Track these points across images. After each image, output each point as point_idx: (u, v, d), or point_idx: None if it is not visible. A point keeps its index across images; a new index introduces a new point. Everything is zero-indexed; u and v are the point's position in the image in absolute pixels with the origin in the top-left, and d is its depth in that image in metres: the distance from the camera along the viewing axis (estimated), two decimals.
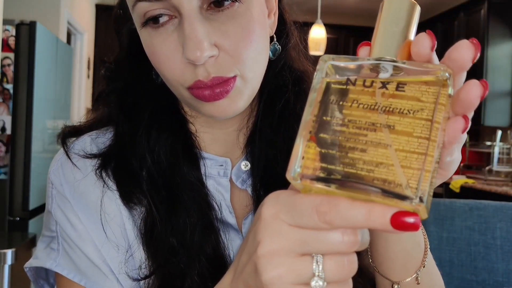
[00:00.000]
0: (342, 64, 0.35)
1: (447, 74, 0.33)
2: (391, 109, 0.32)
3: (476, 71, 4.35)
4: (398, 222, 0.31)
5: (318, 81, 0.35)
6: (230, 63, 0.53)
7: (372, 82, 0.34)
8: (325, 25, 4.22)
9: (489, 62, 4.45)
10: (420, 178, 0.31)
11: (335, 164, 0.32)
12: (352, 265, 0.34)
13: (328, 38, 4.32)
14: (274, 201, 0.35)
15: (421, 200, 0.30)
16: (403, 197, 0.30)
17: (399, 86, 0.33)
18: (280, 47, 0.63)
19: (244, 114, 0.63)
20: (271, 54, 0.61)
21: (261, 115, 0.63)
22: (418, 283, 0.55)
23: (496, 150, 4.12)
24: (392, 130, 0.32)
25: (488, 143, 4.26)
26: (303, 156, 0.33)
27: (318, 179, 0.32)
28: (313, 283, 0.34)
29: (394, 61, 0.34)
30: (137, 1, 0.52)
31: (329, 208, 0.32)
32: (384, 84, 0.33)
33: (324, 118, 0.33)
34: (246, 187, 0.64)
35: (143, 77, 0.62)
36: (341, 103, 0.34)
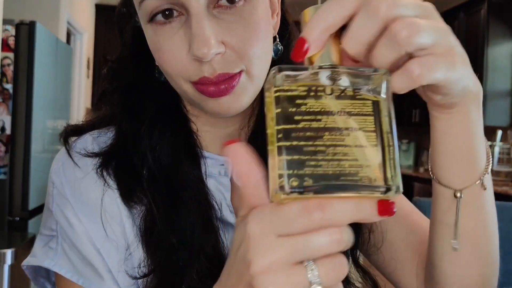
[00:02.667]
0: (290, 73, 0.36)
1: (382, 73, 0.36)
2: (342, 111, 0.35)
3: (476, 71, 4.34)
4: (384, 210, 0.34)
5: (271, 92, 0.36)
6: (236, 60, 0.53)
7: (317, 88, 0.36)
8: None
9: (489, 62, 4.46)
10: (388, 169, 0.34)
11: (305, 170, 0.34)
12: (343, 266, 0.35)
13: None
14: (258, 217, 0.35)
15: (397, 189, 0.34)
16: (379, 191, 0.34)
17: (342, 91, 0.36)
18: (282, 47, 0.64)
19: (245, 113, 0.63)
20: (273, 54, 0.61)
21: (262, 114, 0.64)
22: (485, 189, 0.51)
23: (496, 150, 4.12)
24: (347, 129, 0.35)
25: (488, 143, 4.26)
26: (278, 173, 0.34)
27: (293, 190, 0.34)
28: None
29: (333, 67, 0.36)
30: None
31: (318, 207, 0.33)
32: (332, 91, 0.36)
33: (284, 127, 0.35)
34: None
35: (145, 76, 0.63)
36: (295, 110, 0.35)
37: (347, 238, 0.34)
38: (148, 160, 0.59)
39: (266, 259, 0.34)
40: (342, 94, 0.35)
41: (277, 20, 0.62)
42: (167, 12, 0.52)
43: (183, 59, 0.53)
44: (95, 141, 0.63)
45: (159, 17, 0.53)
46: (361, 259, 0.69)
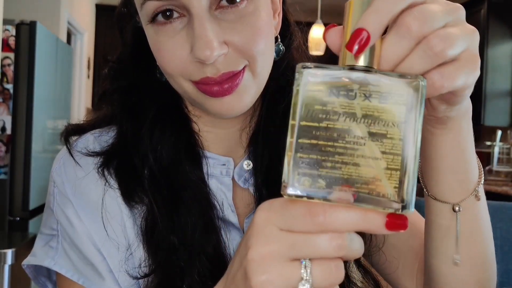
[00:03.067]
0: (319, 72, 0.35)
1: (420, 82, 0.34)
2: (367, 116, 0.34)
3: None
4: (392, 225, 0.33)
5: (298, 89, 0.35)
6: (239, 57, 0.53)
7: (349, 91, 0.34)
8: (325, 25, 4.22)
9: (489, 62, 4.45)
10: (403, 186, 0.33)
11: (320, 171, 0.34)
12: (339, 272, 0.35)
13: None
14: (267, 207, 0.36)
15: (406, 207, 0.33)
16: (392, 207, 0.33)
17: (373, 95, 0.34)
18: (284, 47, 0.63)
19: (247, 114, 0.63)
20: (275, 54, 0.61)
21: (264, 115, 0.64)
22: (478, 199, 0.52)
23: (496, 150, 4.12)
24: (370, 139, 0.34)
25: (488, 143, 4.26)
26: (292, 169, 0.34)
27: (304, 191, 0.34)
28: (300, 287, 0.34)
29: (367, 70, 0.35)
30: (146, 0, 0.52)
31: (323, 211, 0.33)
32: (363, 94, 0.34)
33: (307, 124, 0.34)
34: (248, 186, 0.64)
35: (146, 76, 0.63)
36: (321, 108, 0.34)
37: (351, 246, 0.34)
38: (149, 160, 0.59)
39: (263, 248, 0.35)
40: (371, 98, 0.34)
41: (278, 20, 0.62)
42: (168, 13, 0.52)
43: (185, 59, 0.53)
44: (96, 140, 0.63)
45: (160, 17, 0.53)
46: (362, 259, 0.69)
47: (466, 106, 0.47)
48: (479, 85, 4.39)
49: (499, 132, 4.12)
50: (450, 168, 0.50)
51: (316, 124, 0.34)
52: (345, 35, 0.36)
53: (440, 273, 0.56)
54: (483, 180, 0.53)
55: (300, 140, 0.34)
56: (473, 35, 0.37)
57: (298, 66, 0.35)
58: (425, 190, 0.54)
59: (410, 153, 0.33)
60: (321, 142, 0.34)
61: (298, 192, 0.34)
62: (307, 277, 0.34)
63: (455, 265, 0.54)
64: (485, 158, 4.40)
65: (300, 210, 0.34)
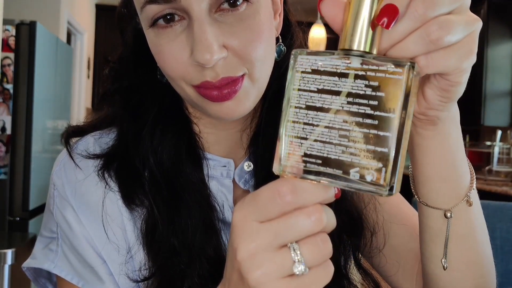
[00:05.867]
0: (313, 57, 0.36)
1: (410, 66, 0.34)
2: (362, 104, 0.35)
3: (476, 71, 4.35)
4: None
5: (293, 74, 0.37)
6: (238, 63, 0.53)
7: (340, 76, 0.35)
8: (325, 25, 4.22)
9: (489, 62, 4.45)
10: (387, 170, 0.34)
11: (311, 150, 0.36)
12: (326, 244, 0.36)
13: (328, 38, 4.32)
14: (240, 205, 0.38)
15: (391, 190, 0.34)
16: (377, 191, 0.34)
17: (364, 80, 0.35)
18: (285, 48, 0.63)
19: (247, 115, 0.63)
20: (276, 55, 0.61)
21: (264, 116, 0.64)
22: (470, 205, 0.52)
23: (496, 150, 4.12)
24: (362, 123, 0.35)
25: (488, 143, 4.26)
26: (286, 150, 0.37)
27: (301, 171, 0.36)
28: (295, 270, 0.35)
29: (362, 55, 0.35)
30: (146, 4, 0.52)
31: (289, 190, 0.35)
32: (353, 79, 0.35)
33: (300, 109, 0.36)
34: (248, 187, 0.64)
35: (147, 77, 0.62)
36: (318, 95, 0.36)
37: (327, 218, 0.36)
38: (150, 161, 0.59)
39: (249, 245, 0.36)
40: (361, 83, 0.35)
41: (279, 20, 0.62)
42: (168, 17, 0.52)
43: (185, 62, 0.52)
44: (97, 142, 0.62)
45: (161, 21, 0.53)
46: (362, 261, 0.69)
47: (454, 112, 0.48)
48: (479, 85, 4.38)
49: (499, 132, 4.12)
50: (440, 175, 0.51)
51: (305, 106, 0.36)
52: (350, 16, 0.36)
53: (436, 277, 0.56)
54: (475, 185, 0.53)
55: (289, 119, 0.36)
56: (474, 24, 0.37)
57: (293, 52, 0.37)
58: (416, 196, 0.54)
59: (397, 137, 0.34)
60: (308, 122, 0.36)
61: (289, 170, 0.36)
62: (299, 258, 0.35)
63: (443, 269, 0.54)
64: (485, 158, 4.40)
65: (267, 195, 0.36)
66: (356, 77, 0.35)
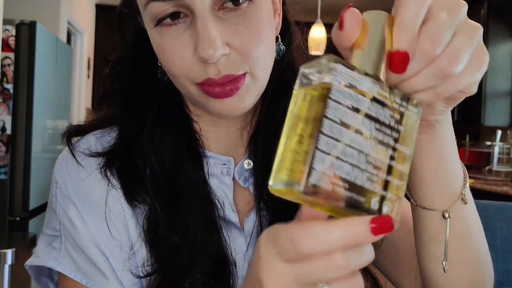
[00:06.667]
0: (343, 70, 0.33)
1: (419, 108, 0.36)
2: (386, 133, 0.34)
3: None
4: (378, 229, 0.32)
5: (320, 80, 0.33)
6: (241, 61, 0.53)
7: (359, 99, 0.33)
8: (325, 25, 4.23)
9: (489, 62, 4.42)
10: (400, 202, 0.33)
11: (333, 170, 0.31)
12: (357, 284, 0.34)
13: (328, 38, 4.32)
14: (266, 239, 0.36)
15: (380, 210, 0.33)
16: (371, 212, 0.32)
17: (393, 112, 0.34)
18: (284, 47, 0.64)
19: (248, 113, 0.64)
20: (275, 54, 0.61)
21: (264, 114, 0.64)
22: (465, 203, 0.52)
23: (496, 150, 4.12)
24: (386, 152, 0.34)
25: (488, 143, 4.26)
26: (302, 164, 0.31)
27: (315, 188, 0.31)
28: None
29: (378, 79, 0.34)
30: (149, 1, 0.52)
31: (304, 241, 0.32)
32: (372, 98, 0.34)
33: (325, 116, 0.32)
34: (248, 185, 0.64)
35: (147, 76, 0.63)
36: (351, 111, 0.33)
37: (354, 256, 0.33)
38: (151, 160, 0.60)
39: (276, 284, 0.35)
40: (390, 112, 0.34)
41: (278, 20, 0.63)
42: (172, 14, 0.52)
43: (188, 60, 0.53)
44: (99, 141, 0.63)
45: (165, 18, 0.53)
46: None
47: (449, 115, 0.48)
48: (479, 85, 4.37)
49: (499, 132, 4.13)
50: (436, 176, 0.51)
51: (340, 122, 0.32)
52: (365, 42, 0.36)
53: (433, 275, 0.56)
54: (468, 183, 0.53)
55: (319, 135, 0.31)
56: (477, 35, 0.37)
57: (324, 57, 0.33)
58: (412, 200, 0.54)
59: (408, 171, 0.34)
60: (335, 140, 0.32)
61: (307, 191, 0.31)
62: None
63: (444, 271, 0.54)
64: (485, 158, 4.40)
65: (285, 240, 0.33)
66: (384, 105, 0.34)
